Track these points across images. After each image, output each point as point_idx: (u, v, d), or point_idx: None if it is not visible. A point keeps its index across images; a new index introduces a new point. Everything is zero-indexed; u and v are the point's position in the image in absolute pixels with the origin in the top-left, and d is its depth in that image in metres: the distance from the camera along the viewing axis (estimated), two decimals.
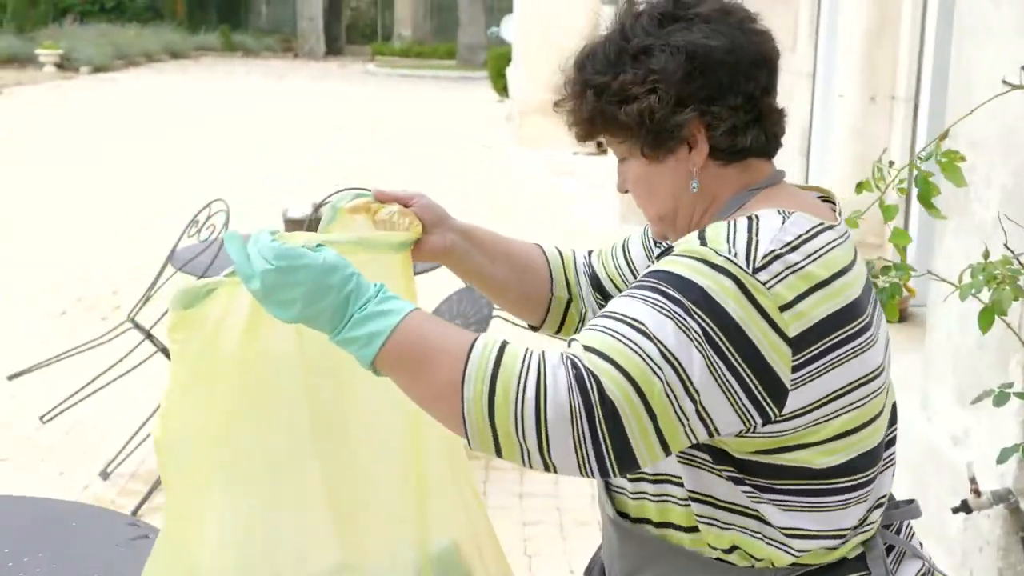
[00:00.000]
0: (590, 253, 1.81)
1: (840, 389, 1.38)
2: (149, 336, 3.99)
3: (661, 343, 1.30)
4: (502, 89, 16.49)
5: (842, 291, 1.38)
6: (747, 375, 1.32)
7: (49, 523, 2.08)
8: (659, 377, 1.29)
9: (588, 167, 10.73)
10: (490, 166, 11.55)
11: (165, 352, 4.00)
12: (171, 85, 19.54)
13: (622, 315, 1.33)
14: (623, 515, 1.55)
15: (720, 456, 1.41)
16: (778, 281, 1.33)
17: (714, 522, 1.44)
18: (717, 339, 1.31)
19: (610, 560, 1.59)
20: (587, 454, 1.29)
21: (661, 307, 1.31)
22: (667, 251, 1.41)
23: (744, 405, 1.33)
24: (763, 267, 1.33)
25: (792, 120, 5.78)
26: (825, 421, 1.38)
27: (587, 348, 1.31)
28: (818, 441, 1.39)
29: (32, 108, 15.76)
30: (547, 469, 1.31)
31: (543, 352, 1.32)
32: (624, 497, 1.54)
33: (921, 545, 1.61)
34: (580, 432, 1.28)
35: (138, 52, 23.36)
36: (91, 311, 6.26)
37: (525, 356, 1.31)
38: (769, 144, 1.49)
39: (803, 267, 1.35)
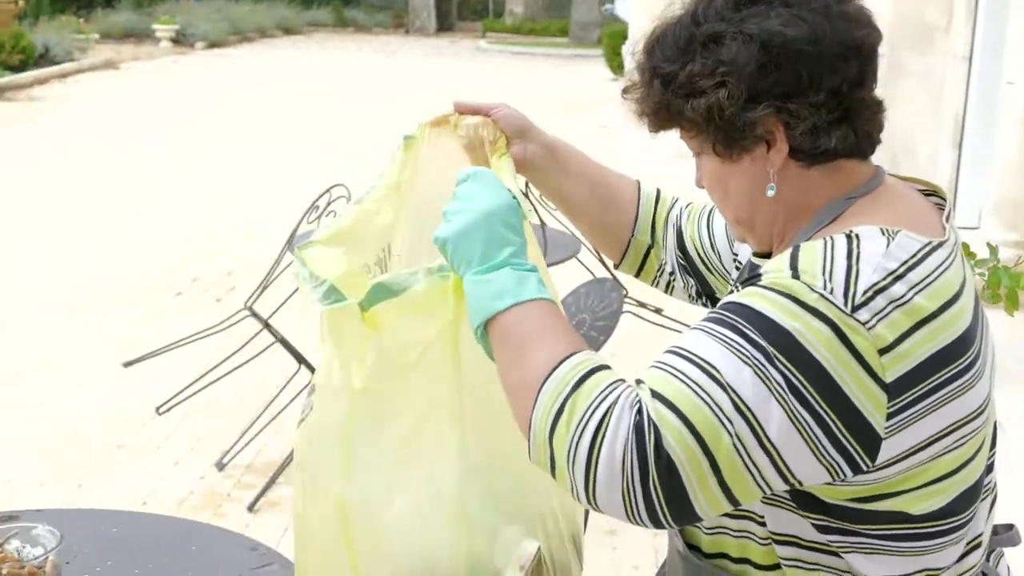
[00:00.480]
0: (685, 205, 1.71)
1: (940, 432, 1.24)
2: (267, 325, 3.84)
3: (735, 393, 1.17)
4: (617, 67, 16.18)
5: (951, 324, 1.22)
6: (835, 426, 1.18)
7: (168, 541, 1.93)
8: (727, 431, 1.17)
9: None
10: (607, 147, 11.29)
11: (283, 342, 3.86)
12: (284, 61, 19.61)
13: (695, 356, 1.20)
14: (693, 548, 1.42)
15: (806, 501, 1.27)
16: (879, 320, 1.18)
17: (799, 563, 1.31)
18: (802, 389, 1.17)
19: None
20: (636, 505, 1.19)
21: (740, 351, 1.18)
22: (753, 275, 1.27)
23: (831, 457, 1.20)
24: (863, 304, 1.18)
25: (943, 108, 5.44)
26: (923, 466, 1.24)
27: (654, 394, 1.19)
28: (916, 487, 1.25)
29: (148, 83, 15.92)
30: (593, 509, 1.22)
31: (624, 391, 1.21)
32: (697, 530, 1.40)
33: (1009, 570, 1.47)
34: (630, 482, 1.18)
35: (252, 27, 23.53)
36: (205, 293, 6.20)
37: (604, 389, 1.21)
38: (861, 143, 1.31)
39: (908, 300, 1.20)
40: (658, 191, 1.71)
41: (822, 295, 1.18)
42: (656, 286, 1.73)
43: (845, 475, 1.21)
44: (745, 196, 1.34)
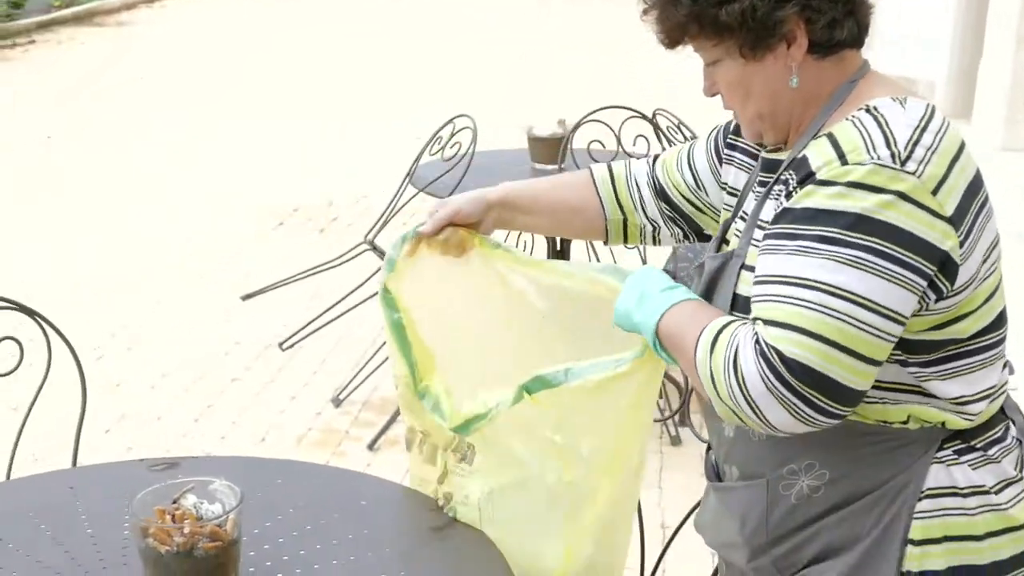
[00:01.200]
0: (654, 160, 1.84)
1: (984, 255, 1.43)
2: None
3: (836, 288, 1.34)
4: None
5: (971, 161, 1.43)
6: (924, 265, 1.36)
7: (335, 494, 1.83)
8: (840, 318, 1.34)
9: None
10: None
11: None
12: None
13: (784, 277, 1.37)
14: None
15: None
16: (925, 165, 1.36)
17: (885, 401, 1.48)
18: (884, 248, 1.34)
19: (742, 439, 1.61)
20: (803, 411, 1.35)
21: (827, 255, 1.35)
22: (807, 175, 1.40)
23: (923, 290, 1.38)
24: (909, 156, 1.36)
25: None
26: (977, 288, 1.43)
27: (766, 322, 1.37)
28: (973, 309, 1.44)
29: (236, 13, 15.81)
30: (783, 434, 1.39)
31: (743, 334, 1.39)
32: None
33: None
34: (783, 398, 1.34)
35: None
36: (308, 222, 6.11)
37: (730, 339, 1.40)
38: (861, 35, 1.50)
39: (939, 145, 1.38)
40: (609, 167, 1.86)
41: (874, 165, 1.35)
42: (644, 243, 1.90)
43: (929, 302, 1.40)
44: (768, 93, 1.50)
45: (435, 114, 4.03)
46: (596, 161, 3.64)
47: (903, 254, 1.34)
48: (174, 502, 1.57)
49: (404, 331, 1.78)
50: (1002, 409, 1.54)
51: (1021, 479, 1.51)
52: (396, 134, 7.80)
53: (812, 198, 1.37)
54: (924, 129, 1.39)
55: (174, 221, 6.11)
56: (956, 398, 1.47)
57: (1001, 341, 1.51)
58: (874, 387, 1.44)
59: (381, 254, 3.78)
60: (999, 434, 1.52)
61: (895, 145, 1.36)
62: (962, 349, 1.46)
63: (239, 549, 1.56)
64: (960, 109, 7.30)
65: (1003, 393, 1.55)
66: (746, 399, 1.36)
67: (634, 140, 3.63)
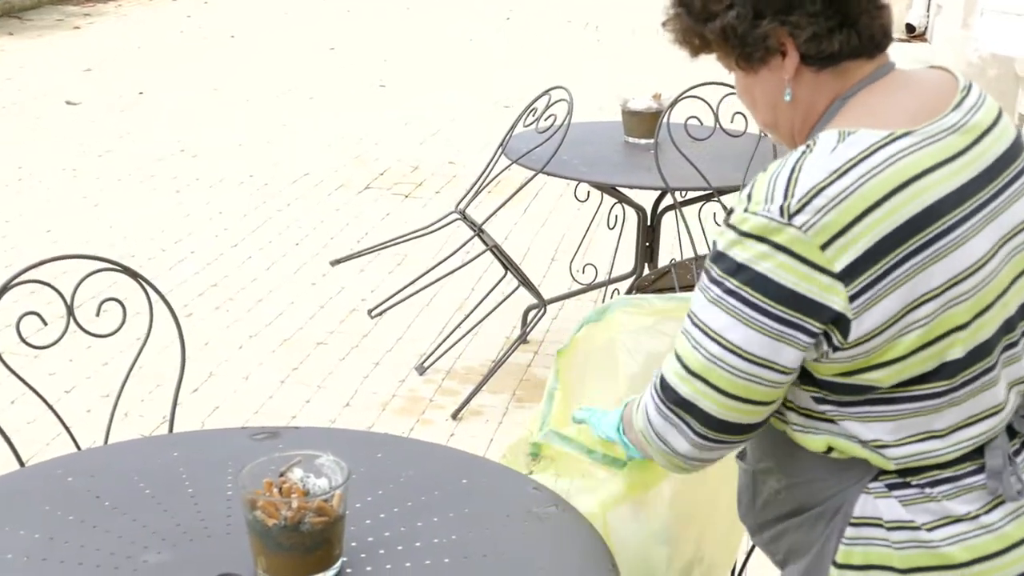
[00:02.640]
0: None
1: (914, 302, 1.37)
2: (480, 232, 3.72)
3: (708, 327, 1.42)
4: None
5: (909, 201, 1.36)
6: (802, 320, 1.37)
7: (435, 471, 1.82)
8: (708, 357, 1.42)
9: (899, 54, 9.85)
10: None
11: (494, 250, 3.73)
12: None
13: (690, 310, 1.45)
14: None
15: (804, 376, 1.46)
16: (820, 218, 1.34)
17: (805, 429, 1.50)
18: (757, 301, 1.37)
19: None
20: (691, 438, 1.46)
21: (711, 294, 1.41)
22: (729, 212, 1.44)
23: (809, 343, 1.39)
24: (800, 209, 1.35)
25: None
26: (893, 339, 1.39)
27: (676, 355, 1.48)
28: (892, 360, 1.40)
29: None
30: (694, 463, 1.52)
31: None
32: None
33: None
34: (670, 419, 1.47)
35: None
36: (395, 187, 6.12)
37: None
38: (865, 45, 1.46)
39: (851, 193, 1.35)
40: None
41: (763, 218, 1.36)
42: None
43: (825, 351, 1.40)
44: (767, 102, 1.52)
45: (524, 84, 4.00)
46: (693, 138, 3.60)
47: (776, 308, 1.37)
48: (281, 475, 1.56)
49: (552, 401, 1.93)
50: (980, 448, 1.48)
51: (972, 519, 1.46)
52: (483, 102, 7.77)
53: (720, 238, 1.42)
54: (843, 174, 1.36)
55: (260, 182, 6.15)
56: (871, 441, 1.46)
57: (949, 391, 1.43)
58: (796, 413, 1.50)
59: (471, 224, 3.77)
60: (954, 474, 1.47)
61: (791, 196, 1.35)
62: (884, 396, 1.44)
63: (344, 524, 1.55)
64: None
65: (966, 441, 1.46)
66: (651, 426, 1.50)
67: (732, 117, 3.56)
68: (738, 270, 1.38)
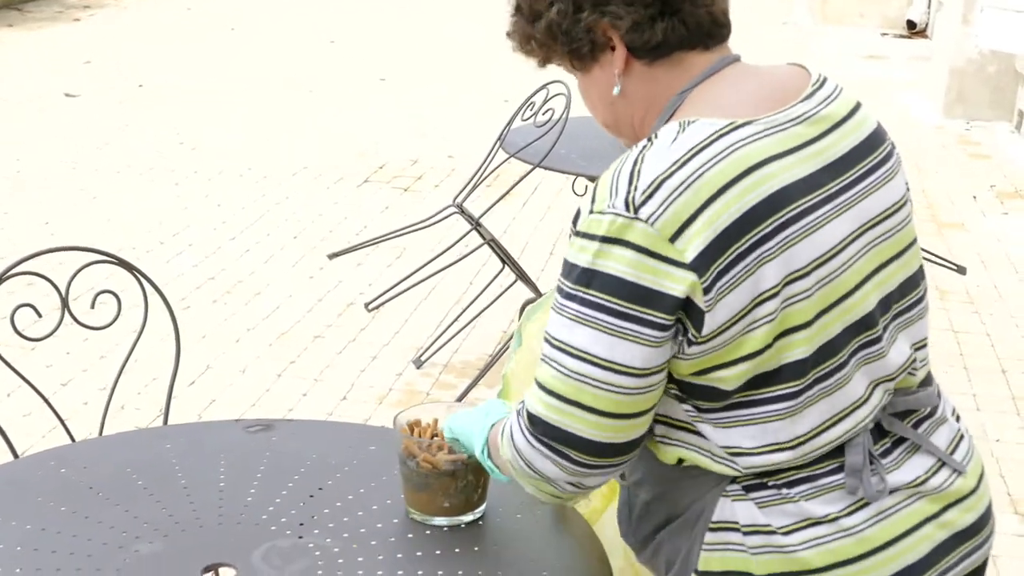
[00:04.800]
0: None
1: (756, 297, 1.33)
2: (477, 226, 3.72)
3: (564, 343, 1.36)
4: None
5: (752, 189, 1.33)
6: (655, 316, 1.32)
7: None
8: (567, 374, 1.36)
9: (900, 50, 9.88)
10: (790, 46, 10.82)
11: (492, 244, 3.74)
12: None
13: (546, 332, 1.39)
14: None
15: (668, 377, 1.41)
16: (665, 208, 1.31)
17: (663, 439, 1.46)
18: (606, 303, 1.33)
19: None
20: (565, 465, 1.40)
21: (565, 310, 1.36)
22: (575, 218, 1.40)
23: (661, 339, 1.34)
24: (645, 201, 1.31)
25: None
26: (739, 335, 1.34)
27: (537, 383, 1.41)
28: (741, 357, 1.35)
29: None
30: (565, 496, 1.47)
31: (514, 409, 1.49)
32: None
33: (961, 438, 1.53)
34: (541, 451, 1.40)
35: None
36: (393, 180, 6.12)
37: (508, 418, 1.49)
38: (693, 34, 1.43)
39: (693, 182, 1.31)
40: None
41: (611, 215, 1.31)
42: None
43: (682, 346, 1.35)
44: (602, 101, 1.49)
45: (523, 79, 3.99)
46: None
47: (627, 307, 1.32)
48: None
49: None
50: (841, 447, 1.42)
51: (831, 521, 1.41)
52: (482, 97, 7.77)
53: (569, 248, 1.37)
54: (684, 163, 1.32)
55: (260, 175, 6.15)
56: (729, 447, 1.41)
57: (799, 392, 1.37)
58: (659, 422, 1.45)
59: (469, 217, 3.77)
60: (812, 474, 1.42)
61: (635, 190, 1.31)
62: (739, 400, 1.39)
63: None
64: None
65: (825, 444, 1.41)
66: (521, 458, 1.43)
67: None
68: (592, 278, 1.33)
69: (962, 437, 1.54)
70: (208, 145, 6.62)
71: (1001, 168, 6.57)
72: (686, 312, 1.33)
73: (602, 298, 1.33)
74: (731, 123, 1.36)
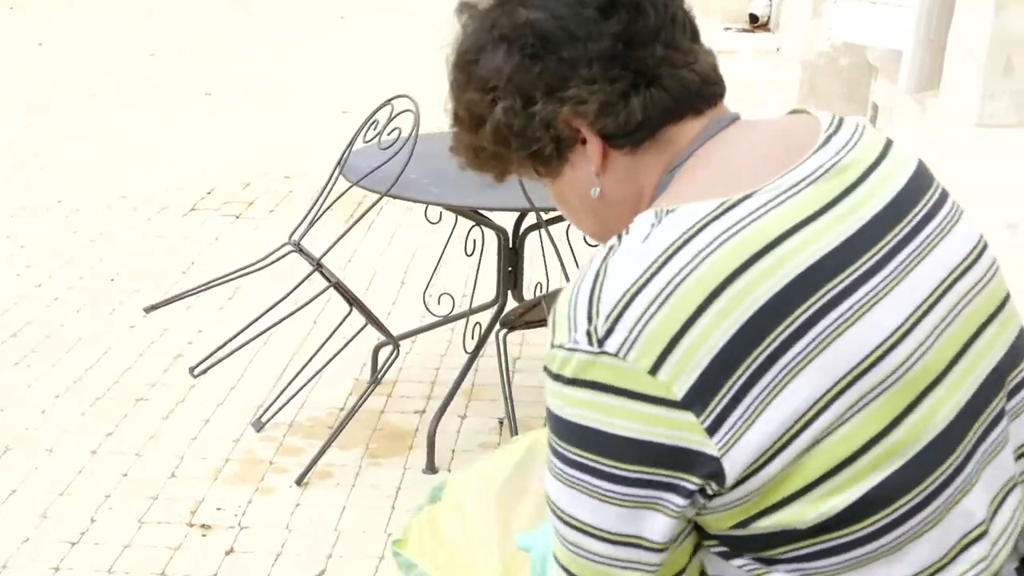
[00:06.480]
0: None
1: (805, 416, 1.01)
2: (319, 267, 3.20)
3: (560, 510, 1.10)
4: None
5: (760, 282, 1.02)
6: (653, 475, 1.03)
7: None
8: (569, 548, 1.10)
9: (746, 44, 9.68)
10: None
11: (338, 288, 3.23)
12: None
13: (547, 496, 1.13)
14: None
15: (701, 530, 1.11)
16: (639, 333, 1.01)
17: None
18: (589, 462, 1.05)
19: None
20: None
21: (551, 466, 1.10)
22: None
23: (672, 503, 1.04)
24: (610, 331, 1.02)
25: None
26: (801, 458, 1.02)
27: None
28: (801, 488, 1.03)
29: None
30: None
31: None
32: None
33: None
34: None
35: None
36: (223, 207, 5.53)
37: None
38: (680, 103, 1.15)
39: (674, 291, 1.02)
40: None
41: (568, 351, 1.04)
42: None
43: (702, 504, 1.05)
44: (584, 207, 1.21)
45: (363, 89, 3.53)
46: None
47: (616, 467, 1.04)
48: None
49: None
50: None
51: None
52: (319, 109, 7.22)
53: (545, 390, 1.10)
54: (659, 269, 1.03)
55: (70, 208, 5.48)
56: None
57: (903, 519, 1.06)
58: None
59: (309, 258, 3.25)
60: None
61: (596, 315, 1.03)
62: (816, 546, 1.07)
63: None
64: (928, 81, 6.90)
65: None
66: None
67: None
68: (569, 432, 1.05)
69: None
70: (6, 176, 5.91)
71: None
72: (690, 465, 1.03)
73: (582, 457, 1.05)
74: (723, 202, 1.06)
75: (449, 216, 3.63)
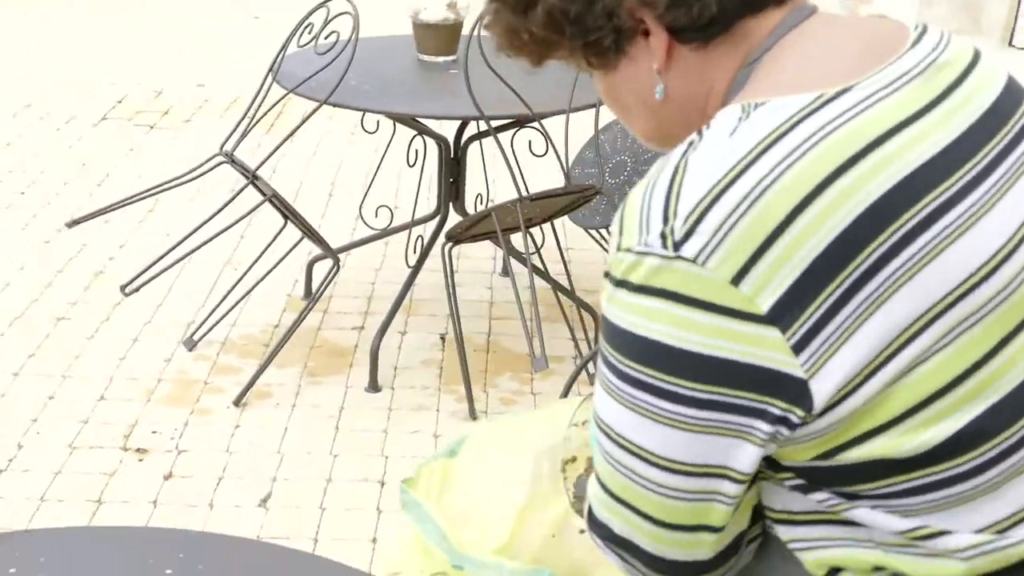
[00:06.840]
0: None
1: (900, 337, 0.92)
2: (254, 179, 3.05)
3: (608, 427, 1.00)
4: None
5: (860, 186, 0.92)
6: (728, 396, 0.93)
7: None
8: (617, 468, 1.01)
9: None
10: None
11: (274, 201, 3.07)
12: None
13: (597, 415, 1.03)
14: None
15: (772, 463, 1.02)
16: (722, 238, 0.91)
17: (806, 543, 1.05)
18: (654, 381, 0.95)
19: None
20: (634, 570, 1.06)
21: (602, 380, 1.01)
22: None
23: (757, 429, 0.95)
24: (690, 231, 0.91)
25: None
26: (893, 385, 0.93)
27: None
28: (893, 418, 0.94)
29: None
30: None
31: None
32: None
33: None
34: (609, 554, 1.08)
35: None
36: (136, 117, 5.28)
37: None
38: None
39: (760, 195, 0.91)
40: None
41: (638, 255, 0.94)
42: None
43: (784, 435, 0.96)
44: (640, 107, 1.10)
45: None
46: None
47: (684, 387, 0.95)
48: None
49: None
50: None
51: None
52: (229, 14, 6.93)
53: (602, 293, 1.01)
54: (747, 168, 0.93)
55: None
56: (909, 531, 1.01)
57: (993, 462, 0.99)
58: (784, 522, 1.06)
59: (241, 168, 3.09)
60: None
61: (674, 215, 0.93)
62: (910, 483, 0.99)
63: None
64: None
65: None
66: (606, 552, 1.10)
67: None
68: (628, 342, 0.95)
69: None
70: None
71: None
72: (775, 387, 0.93)
73: (645, 374, 0.95)
74: (819, 95, 0.96)
75: (386, 125, 3.48)
